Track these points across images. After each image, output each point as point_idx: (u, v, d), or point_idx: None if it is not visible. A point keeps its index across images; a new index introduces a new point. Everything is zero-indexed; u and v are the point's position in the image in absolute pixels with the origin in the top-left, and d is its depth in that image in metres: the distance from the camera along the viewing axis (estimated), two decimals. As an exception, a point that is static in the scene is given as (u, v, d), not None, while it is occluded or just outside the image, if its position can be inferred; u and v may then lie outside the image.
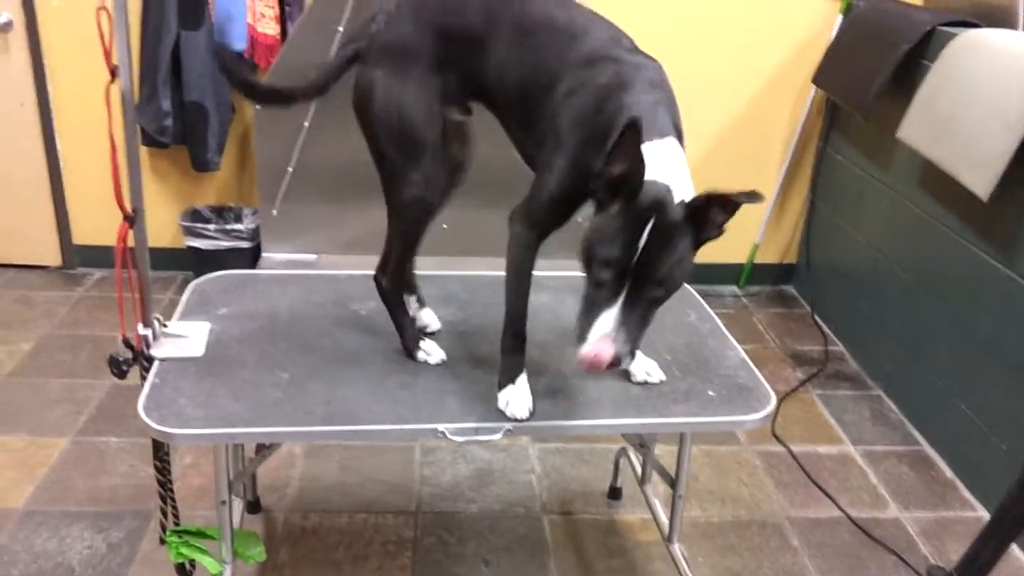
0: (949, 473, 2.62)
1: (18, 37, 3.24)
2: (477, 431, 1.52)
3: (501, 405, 1.54)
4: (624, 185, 1.28)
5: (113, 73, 1.51)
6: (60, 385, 2.73)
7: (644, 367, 1.69)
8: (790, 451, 2.66)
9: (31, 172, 3.42)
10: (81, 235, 3.53)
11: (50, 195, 3.45)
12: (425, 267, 1.88)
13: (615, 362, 1.25)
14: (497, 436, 1.52)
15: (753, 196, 1.25)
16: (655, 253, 1.25)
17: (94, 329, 3.08)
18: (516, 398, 1.54)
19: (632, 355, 1.31)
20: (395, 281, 1.73)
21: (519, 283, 1.54)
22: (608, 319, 1.25)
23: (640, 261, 1.25)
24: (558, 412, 1.58)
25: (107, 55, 1.50)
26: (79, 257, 3.55)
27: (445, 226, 3.13)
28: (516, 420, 1.52)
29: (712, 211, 1.29)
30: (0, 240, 3.51)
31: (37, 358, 2.88)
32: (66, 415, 2.58)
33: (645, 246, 1.24)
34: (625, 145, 1.25)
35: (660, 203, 1.27)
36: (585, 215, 1.43)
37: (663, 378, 1.68)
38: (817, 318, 3.54)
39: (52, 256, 3.56)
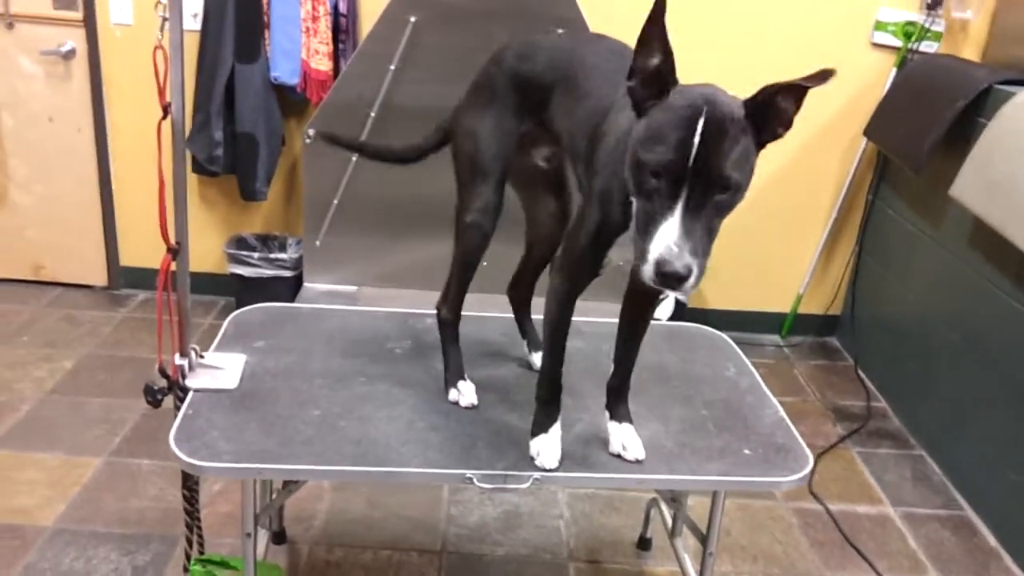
0: (993, 541, 2.53)
1: (80, 65, 3.33)
2: (505, 479, 1.51)
3: (532, 453, 1.53)
4: (663, 79, 1.17)
5: (165, 110, 1.54)
6: (98, 404, 2.76)
7: (622, 439, 1.59)
8: (827, 509, 2.59)
9: (84, 195, 3.51)
10: (128, 257, 3.60)
11: (100, 218, 3.54)
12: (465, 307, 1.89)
13: (684, 276, 1.11)
14: (525, 485, 1.50)
15: (824, 77, 1.15)
16: (713, 150, 1.10)
17: (135, 350, 3.13)
18: (547, 448, 1.53)
19: (702, 270, 1.13)
20: (453, 311, 1.78)
21: (556, 335, 1.54)
22: (670, 229, 1.11)
23: (697, 162, 1.10)
24: (589, 463, 1.56)
25: (161, 92, 1.53)
26: (124, 278, 3.62)
27: (486, 263, 3.14)
28: (545, 470, 1.51)
29: (777, 101, 1.17)
30: (50, 259, 3.59)
31: (78, 377, 2.93)
32: (102, 435, 2.61)
33: (700, 143, 1.10)
34: (651, 29, 1.15)
35: (710, 96, 1.14)
36: (621, 258, 1.42)
37: (639, 457, 1.57)
38: (860, 372, 3.47)
39: (99, 276, 3.63)
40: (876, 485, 2.75)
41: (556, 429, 1.55)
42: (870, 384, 3.39)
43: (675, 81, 1.18)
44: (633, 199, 1.20)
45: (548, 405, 1.56)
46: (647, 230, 1.14)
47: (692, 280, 1.12)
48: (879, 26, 3.33)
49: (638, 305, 1.59)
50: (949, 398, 2.86)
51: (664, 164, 1.11)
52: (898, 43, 3.34)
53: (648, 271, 1.13)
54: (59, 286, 3.61)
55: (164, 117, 1.55)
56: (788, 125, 1.20)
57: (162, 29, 1.50)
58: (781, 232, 3.62)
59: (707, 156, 1.10)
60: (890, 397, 3.27)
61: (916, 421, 3.07)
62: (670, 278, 1.11)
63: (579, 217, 1.46)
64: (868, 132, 3.33)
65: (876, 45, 3.37)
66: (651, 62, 1.17)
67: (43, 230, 3.55)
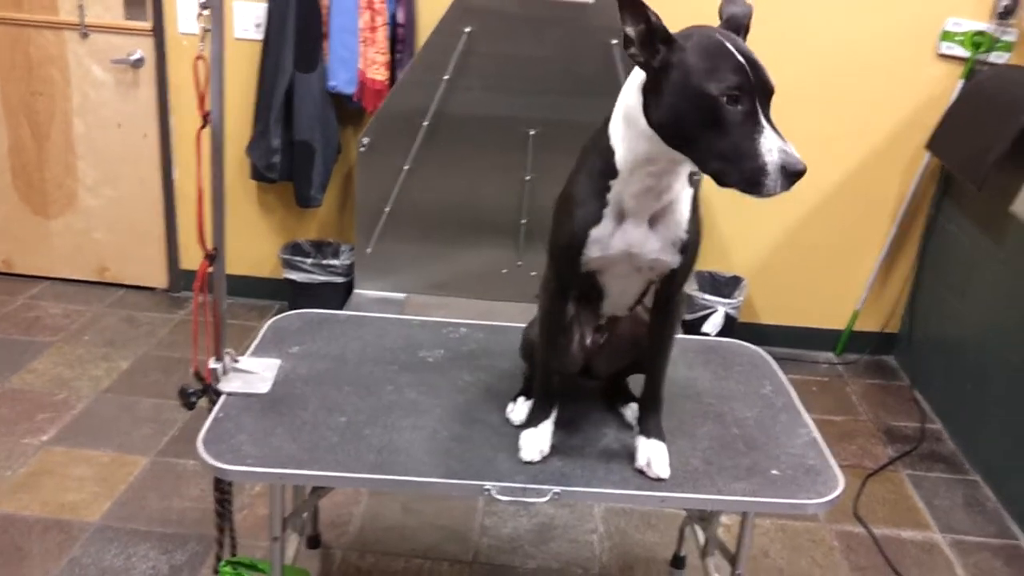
0: (1049, 574, 2.44)
1: (148, 73, 3.44)
2: (524, 492, 1.50)
3: (519, 445, 1.56)
4: (657, 35, 1.23)
5: (205, 119, 1.59)
6: (150, 404, 2.85)
7: (648, 454, 1.55)
8: (871, 533, 2.52)
9: (147, 199, 3.62)
10: (188, 260, 3.70)
11: (163, 221, 3.64)
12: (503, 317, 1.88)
13: (804, 169, 1.18)
14: (544, 499, 1.50)
15: None
16: (757, 65, 1.20)
17: (188, 352, 3.21)
18: (532, 441, 1.56)
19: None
20: None
21: (545, 329, 1.58)
22: (771, 137, 1.18)
23: (757, 81, 1.19)
24: (611, 478, 1.54)
25: (201, 101, 1.57)
26: (184, 281, 3.72)
27: (505, 271, 3.14)
28: (528, 462, 1.54)
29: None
30: (114, 260, 3.72)
31: (132, 377, 3.02)
32: (151, 434, 2.69)
33: (752, 68, 1.19)
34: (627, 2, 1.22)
35: (716, 29, 1.25)
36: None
37: (662, 475, 1.54)
38: (916, 393, 3.37)
39: (160, 279, 3.75)
40: (925, 510, 2.67)
41: (547, 425, 1.58)
42: (926, 405, 3.29)
43: (667, 32, 1.24)
44: (695, 149, 1.24)
45: (542, 400, 1.59)
46: (743, 153, 1.18)
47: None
48: (946, 36, 3.24)
49: (660, 313, 1.57)
50: (1009, 422, 2.76)
51: (738, 85, 1.18)
52: (966, 54, 3.24)
53: (772, 180, 1.18)
54: (122, 287, 3.73)
55: (203, 126, 1.59)
56: None
57: (203, 40, 1.55)
58: (838, 246, 3.54)
59: (761, 76, 1.20)
60: (946, 419, 3.17)
61: (972, 445, 2.97)
62: (797, 176, 1.17)
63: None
64: (931, 146, 3.24)
65: (942, 56, 3.27)
66: (640, 27, 1.23)
67: (109, 232, 3.67)
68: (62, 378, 2.97)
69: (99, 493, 2.40)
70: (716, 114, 1.19)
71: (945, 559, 2.46)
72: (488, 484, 1.49)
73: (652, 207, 1.38)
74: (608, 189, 1.37)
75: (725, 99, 1.18)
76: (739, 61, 1.18)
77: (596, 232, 1.40)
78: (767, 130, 1.18)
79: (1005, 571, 2.43)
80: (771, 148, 1.17)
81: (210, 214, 1.66)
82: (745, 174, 1.19)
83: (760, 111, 1.19)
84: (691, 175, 1.40)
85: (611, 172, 1.36)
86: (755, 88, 1.18)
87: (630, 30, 1.23)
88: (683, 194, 1.40)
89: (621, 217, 1.39)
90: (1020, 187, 2.63)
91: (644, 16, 1.22)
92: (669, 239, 1.41)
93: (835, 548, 2.45)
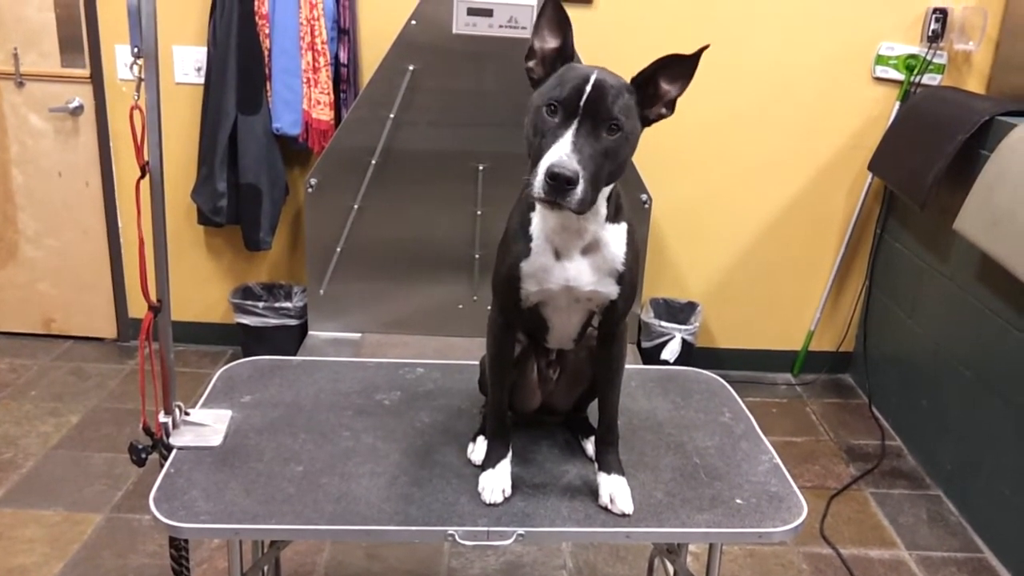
0: (1012, 585, 2.46)
1: (88, 121, 3.38)
2: (488, 535, 1.48)
3: (480, 488, 1.54)
4: (558, 59, 1.32)
5: (143, 169, 1.55)
6: (102, 460, 2.76)
7: (610, 490, 1.54)
8: (839, 554, 2.53)
9: (93, 248, 3.55)
10: (136, 309, 3.62)
11: (109, 271, 3.57)
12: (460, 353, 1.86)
13: (572, 179, 1.18)
14: (508, 542, 1.47)
15: (697, 53, 1.27)
16: (601, 97, 1.23)
17: (140, 403, 3.13)
18: (492, 483, 1.53)
19: (589, 186, 1.22)
20: None
21: (494, 366, 1.57)
22: (563, 144, 1.21)
23: (588, 103, 1.22)
24: (575, 516, 1.52)
25: (138, 152, 1.54)
26: (133, 330, 3.64)
27: (461, 306, 3.14)
28: (492, 504, 1.51)
29: (659, 79, 1.30)
30: (60, 312, 3.63)
31: (83, 431, 2.93)
32: (104, 490, 2.61)
33: (591, 91, 1.22)
34: (550, 16, 1.31)
35: (600, 68, 1.28)
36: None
37: (626, 511, 1.52)
38: (875, 410, 3.40)
39: (108, 329, 3.66)
40: (890, 527, 2.68)
41: (504, 465, 1.56)
42: (885, 422, 3.32)
43: (573, 57, 1.33)
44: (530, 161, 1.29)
45: (495, 440, 1.58)
46: (539, 154, 1.23)
47: (579, 191, 1.20)
48: (880, 60, 3.31)
49: (605, 346, 1.56)
50: (964, 435, 2.79)
51: (561, 99, 1.24)
52: (900, 76, 3.32)
53: (538, 181, 1.21)
54: (69, 339, 3.64)
55: (142, 177, 1.56)
56: (671, 107, 1.32)
57: (138, 89, 1.52)
58: (790, 268, 3.58)
59: (597, 100, 1.23)
60: (905, 435, 3.20)
61: (932, 460, 3.00)
62: (559, 180, 1.18)
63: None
64: (872, 167, 3.30)
65: (878, 79, 3.35)
66: (549, 45, 1.33)
67: (53, 284, 3.59)
68: (9, 436, 2.88)
69: (50, 554, 2.32)
70: (536, 118, 1.27)
71: (912, 576, 2.47)
72: (451, 529, 1.47)
73: (577, 243, 1.40)
74: (530, 222, 1.41)
75: (545, 108, 1.25)
76: (580, 86, 1.23)
77: (527, 267, 1.42)
78: (562, 140, 1.21)
79: (970, 585, 2.45)
80: (554, 152, 1.20)
81: (153, 265, 1.62)
82: (532, 175, 1.24)
83: (572, 128, 1.22)
84: (616, 214, 1.41)
85: (531, 206, 1.40)
86: (579, 109, 1.22)
87: (547, 45, 1.32)
88: (613, 229, 1.41)
89: (557, 252, 1.41)
90: (961, 204, 2.68)
91: (563, 35, 1.31)
92: (605, 271, 1.43)
93: (804, 571, 2.45)
